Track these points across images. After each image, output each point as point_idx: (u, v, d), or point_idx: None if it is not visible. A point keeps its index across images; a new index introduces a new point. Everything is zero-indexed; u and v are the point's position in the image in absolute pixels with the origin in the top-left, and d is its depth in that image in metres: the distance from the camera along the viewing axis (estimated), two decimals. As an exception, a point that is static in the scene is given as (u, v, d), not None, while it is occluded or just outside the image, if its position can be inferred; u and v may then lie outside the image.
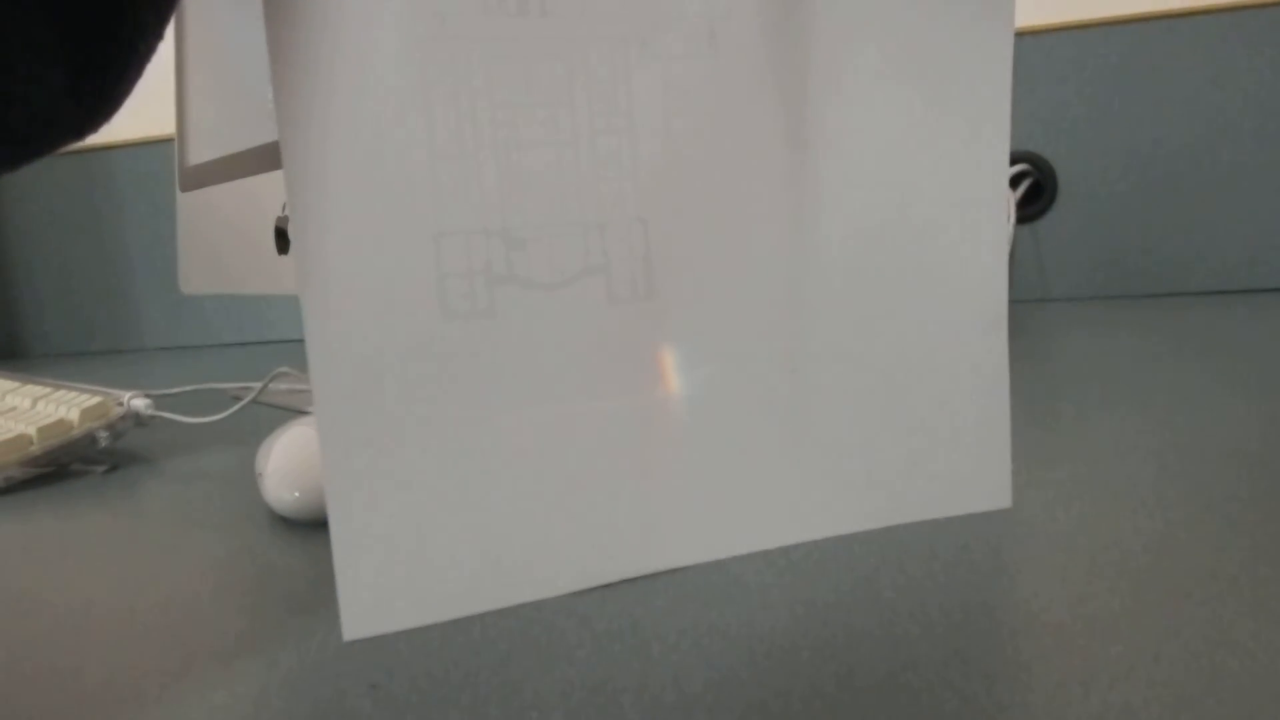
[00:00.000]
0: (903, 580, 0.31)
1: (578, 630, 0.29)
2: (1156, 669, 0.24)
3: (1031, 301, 1.05)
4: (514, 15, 0.29)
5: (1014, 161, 1.01)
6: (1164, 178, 1.01)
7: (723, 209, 0.32)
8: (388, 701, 0.26)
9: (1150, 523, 0.34)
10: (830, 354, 0.34)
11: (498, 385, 0.31)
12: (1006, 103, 0.34)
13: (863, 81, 0.33)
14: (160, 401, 0.62)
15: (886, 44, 0.33)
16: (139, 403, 0.59)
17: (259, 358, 1.08)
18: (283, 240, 0.58)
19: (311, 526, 0.41)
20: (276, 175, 0.64)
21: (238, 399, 0.65)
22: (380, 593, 0.30)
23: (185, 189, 0.82)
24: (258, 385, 0.64)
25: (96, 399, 0.58)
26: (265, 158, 0.66)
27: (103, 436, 0.57)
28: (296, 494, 0.41)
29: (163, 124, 1.16)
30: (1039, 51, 1.02)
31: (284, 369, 0.67)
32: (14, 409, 0.62)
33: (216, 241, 0.78)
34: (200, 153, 0.78)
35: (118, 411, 0.58)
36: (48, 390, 0.63)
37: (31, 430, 0.55)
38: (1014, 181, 1.02)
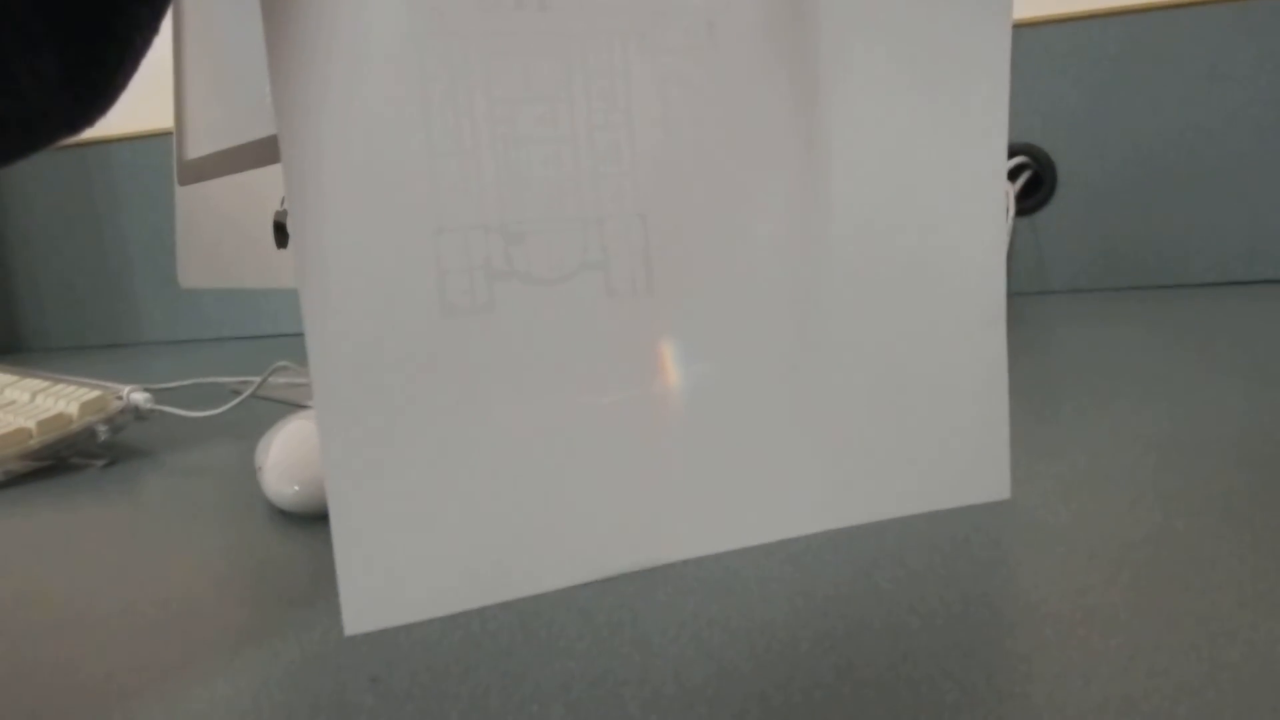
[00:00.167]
0: (902, 572, 0.31)
1: (578, 623, 0.29)
2: (1156, 660, 0.24)
3: (1030, 294, 1.05)
4: (512, 10, 0.29)
5: (1012, 154, 1.01)
6: (1163, 169, 1.01)
7: (722, 204, 0.32)
8: (388, 694, 0.26)
9: (1150, 514, 0.34)
10: (830, 347, 0.34)
11: (497, 380, 0.31)
12: (1005, 97, 0.34)
13: (862, 76, 0.33)
14: (159, 395, 0.62)
15: (886, 39, 0.33)
16: (138, 396, 0.59)
17: (258, 351, 1.08)
18: (281, 234, 0.58)
19: (311, 520, 0.41)
20: (275, 169, 0.63)
21: (237, 393, 0.65)
22: (381, 587, 0.30)
23: (184, 183, 0.82)
24: (257, 379, 0.64)
25: (96, 393, 0.58)
26: (264, 152, 0.66)
27: (102, 430, 0.57)
28: (296, 488, 0.41)
29: (161, 118, 1.15)
30: (1038, 43, 1.01)
31: (283, 363, 0.67)
32: (13, 403, 0.62)
33: (215, 235, 0.78)
34: (198, 147, 0.78)
35: (117, 405, 0.58)
36: (47, 384, 0.63)
37: (31, 424, 0.55)
38: (1013, 174, 1.01)
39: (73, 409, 0.57)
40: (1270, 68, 0.97)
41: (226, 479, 0.50)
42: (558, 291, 0.31)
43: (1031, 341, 0.74)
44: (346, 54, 0.28)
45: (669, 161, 0.32)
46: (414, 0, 0.28)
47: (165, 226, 1.30)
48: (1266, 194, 0.99)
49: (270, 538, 0.40)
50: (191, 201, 0.81)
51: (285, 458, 0.42)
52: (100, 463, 0.57)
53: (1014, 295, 0.34)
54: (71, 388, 0.60)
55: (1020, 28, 1.01)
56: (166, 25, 0.25)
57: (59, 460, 0.56)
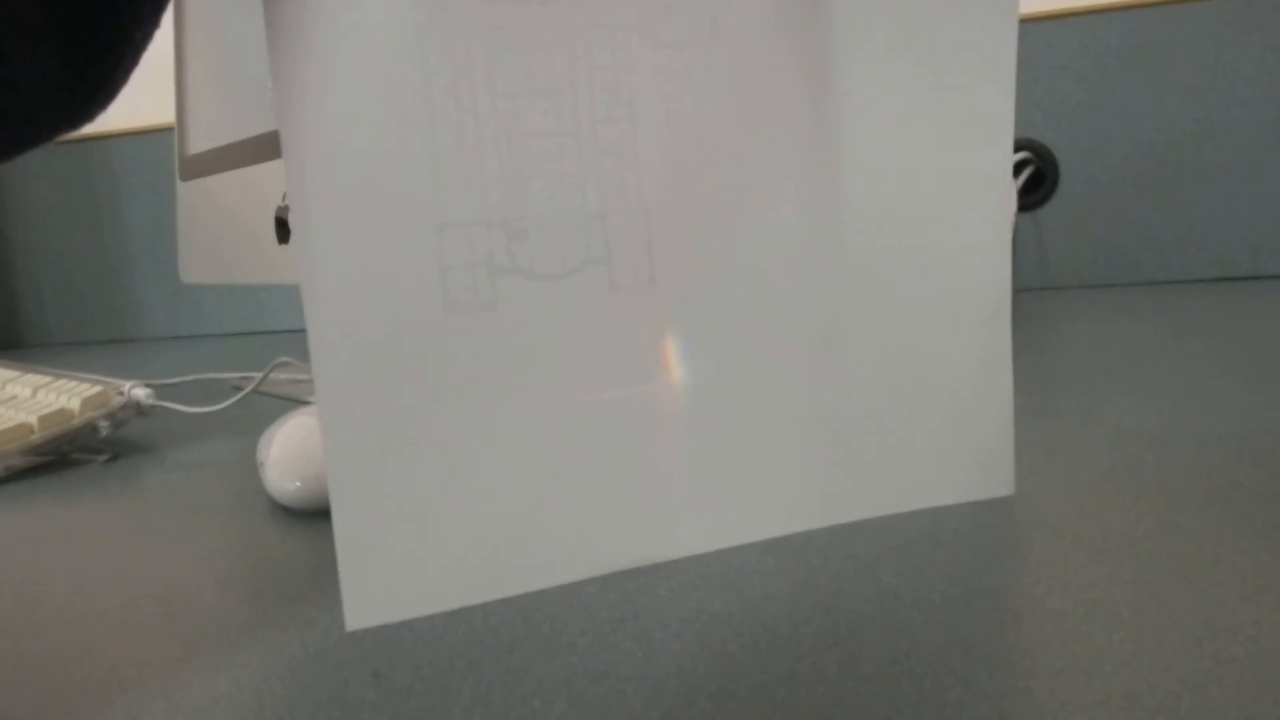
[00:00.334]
0: (905, 567, 0.31)
1: (580, 618, 0.29)
2: (1159, 655, 0.24)
3: (1033, 289, 1.05)
4: (515, 3, 0.29)
5: (1015, 149, 1.01)
6: (1166, 165, 1.01)
7: (725, 199, 0.32)
8: (391, 689, 0.26)
9: (1152, 509, 0.34)
10: (833, 343, 0.34)
11: (500, 376, 0.30)
12: (1011, 93, 0.34)
13: (868, 72, 0.33)
14: (161, 391, 0.62)
15: (892, 32, 0.33)
16: (140, 392, 0.59)
17: (259, 347, 1.08)
18: (283, 230, 0.58)
19: (313, 515, 0.41)
20: (277, 164, 0.63)
21: (238, 389, 0.65)
22: (383, 583, 0.30)
23: (185, 178, 0.82)
24: (258, 375, 0.64)
25: (97, 388, 0.58)
26: (265, 147, 0.66)
27: (104, 426, 0.57)
28: (298, 483, 0.41)
29: (162, 113, 1.15)
30: (1041, 39, 1.01)
31: (284, 359, 0.67)
32: (14, 398, 0.62)
33: (216, 231, 0.78)
34: (200, 142, 0.78)
35: (118, 401, 0.58)
36: (48, 379, 0.63)
37: (32, 419, 0.55)
38: (1015, 169, 1.01)
39: (74, 404, 0.57)
40: (1274, 63, 0.96)
41: (228, 475, 0.50)
42: (561, 287, 0.31)
43: (1034, 337, 0.74)
44: (348, 48, 0.27)
45: (672, 156, 0.32)
46: (416, -6, 0.28)
47: (167, 222, 1.30)
48: (1269, 190, 0.99)
49: (272, 533, 0.40)
50: (193, 197, 0.81)
51: (287, 454, 0.42)
52: (102, 458, 0.57)
53: (1017, 291, 0.34)
54: (73, 383, 0.60)
55: (1023, 23, 1.00)
56: (167, 20, 0.25)
57: (61, 456, 0.57)
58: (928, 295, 0.35)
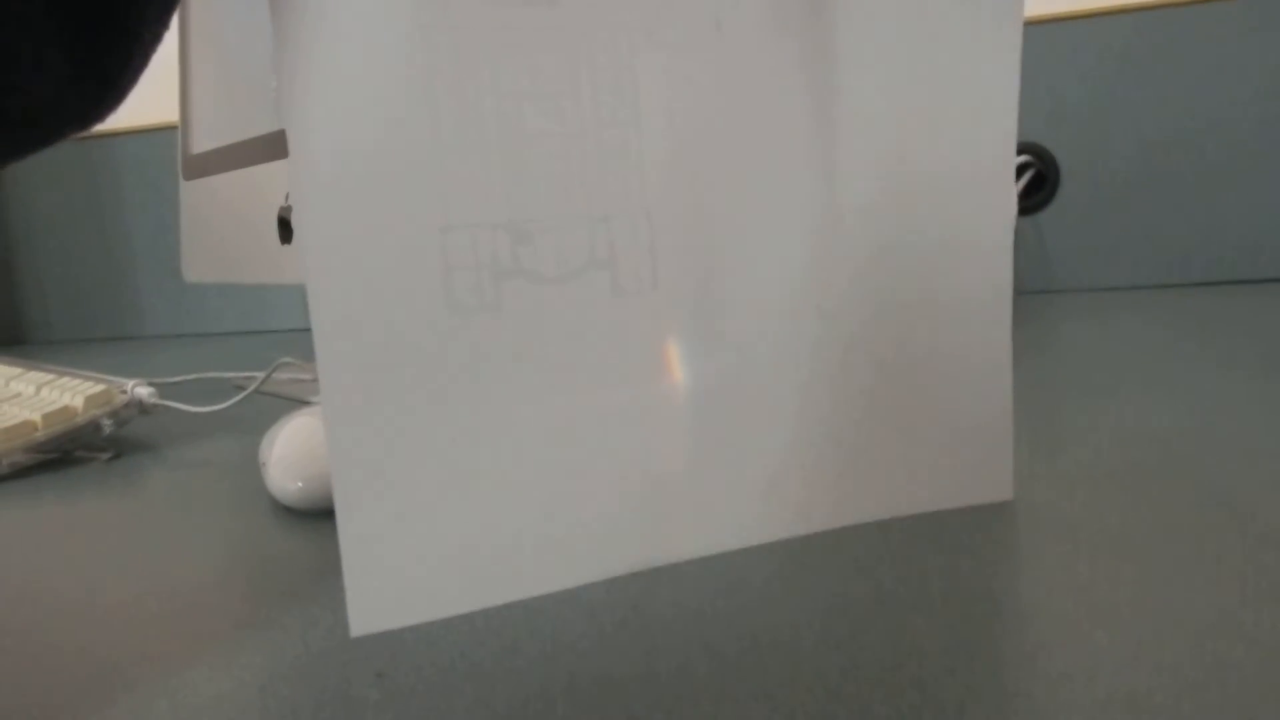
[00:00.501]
0: (905, 571, 0.31)
1: (583, 621, 0.29)
2: (1160, 657, 0.24)
3: (1034, 293, 1.05)
4: (520, 4, 0.29)
5: (1016, 153, 1.01)
6: (1167, 168, 1.01)
7: (728, 201, 0.32)
8: (393, 690, 0.26)
9: (1152, 511, 0.34)
10: (835, 346, 0.34)
11: (504, 378, 0.30)
12: (1014, 94, 0.34)
13: (870, 71, 0.33)
14: (164, 390, 0.62)
15: (895, 34, 0.33)
16: (143, 390, 0.59)
17: (262, 347, 1.08)
18: (286, 229, 0.58)
19: (315, 515, 0.41)
20: (279, 164, 0.63)
21: (241, 388, 0.65)
22: (387, 588, 0.30)
23: (188, 177, 0.82)
24: (261, 374, 0.64)
25: (100, 386, 0.59)
26: (269, 147, 0.66)
27: (107, 424, 0.57)
28: (300, 483, 0.41)
29: (166, 112, 1.15)
30: (1042, 41, 1.01)
31: (287, 359, 0.67)
32: (18, 395, 0.62)
33: (219, 230, 0.78)
34: (203, 141, 0.78)
35: (122, 399, 0.58)
36: (52, 377, 0.63)
37: (36, 416, 0.55)
38: (1017, 173, 1.01)
39: (77, 402, 0.57)
40: (1275, 65, 0.96)
41: (230, 474, 0.50)
42: (564, 289, 0.31)
43: (1034, 340, 0.74)
44: (353, 49, 0.28)
45: (676, 158, 0.32)
46: (421, -4, 0.28)
47: (170, 221, 1.30)
48: (1270, 193, 0.99)
49: (274, 533, 0.40)
50: (196, 196, 0.81)
51: (289, 454, 0.42)
52: (105, 456, 0.57)
53: (1017, 294, 0.34)
54: (76, 381, 0.61)
55: (1024, 25, 1.00)
56: (173, 20, 0.25)
57: (64, 453, 0.57)
58: (929, 301, 0.35)
